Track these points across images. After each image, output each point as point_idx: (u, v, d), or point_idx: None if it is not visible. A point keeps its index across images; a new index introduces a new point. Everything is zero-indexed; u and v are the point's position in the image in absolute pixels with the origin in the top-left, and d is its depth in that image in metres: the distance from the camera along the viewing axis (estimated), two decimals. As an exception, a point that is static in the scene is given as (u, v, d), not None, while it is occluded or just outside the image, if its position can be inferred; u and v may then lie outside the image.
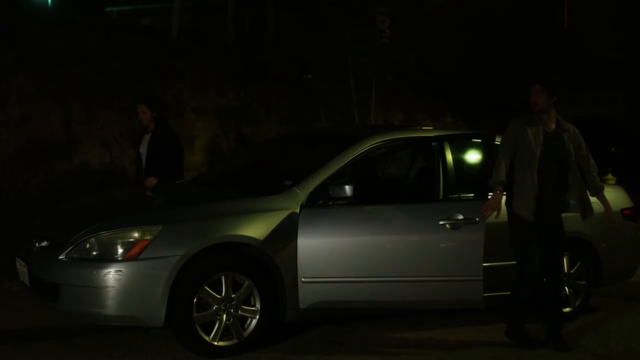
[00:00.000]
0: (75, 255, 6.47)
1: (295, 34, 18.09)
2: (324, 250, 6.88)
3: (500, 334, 7.21)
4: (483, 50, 20.94)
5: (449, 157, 7.49)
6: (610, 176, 14.51)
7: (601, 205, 7.48)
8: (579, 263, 8.08)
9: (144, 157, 8.91)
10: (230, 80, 15.09)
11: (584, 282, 8.12)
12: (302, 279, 6.76)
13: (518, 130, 7.01)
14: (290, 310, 6.83)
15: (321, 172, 7.04)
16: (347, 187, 6.84)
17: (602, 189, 7.29)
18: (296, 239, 6.74)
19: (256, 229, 6.69)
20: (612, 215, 7.38)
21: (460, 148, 7.99)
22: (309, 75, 16.58)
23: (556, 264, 7.14)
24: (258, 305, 6.71)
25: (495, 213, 6.81)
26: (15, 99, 12.10)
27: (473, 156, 8.15)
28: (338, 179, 7.01)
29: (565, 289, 7.94)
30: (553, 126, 7.03)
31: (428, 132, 8.44)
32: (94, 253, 6.43)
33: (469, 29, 19.67)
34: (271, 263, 6.72)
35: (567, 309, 7.96)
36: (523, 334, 7.12)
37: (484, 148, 7.42)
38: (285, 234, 6.76)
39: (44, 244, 6.78)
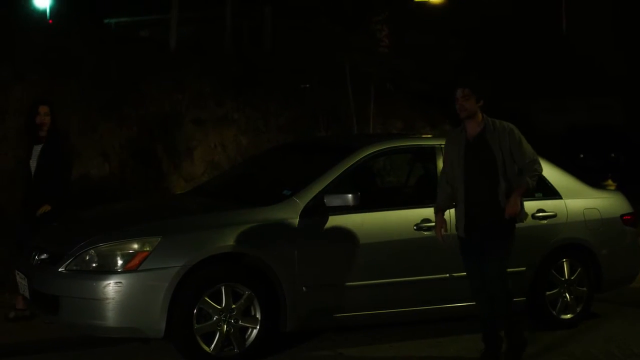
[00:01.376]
0: (74, 268, 6.47)
1: (293, 43, 18.12)
2: (324, 258, 6.91)
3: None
4: (481, 57, 20.99)
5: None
6: (610, 182, 14.50)
7: (600, 211, 7.48)
8: (579, 269, 8.06)
9: (33, 171, 7.99)
10: (229, 90, 15.08)
11: (584, 289, 8.09)
12: (303, 288, 6.76)
13: (446, 147, 6.88)
14: (291, 320, 6.83)
15: (320, 181, 7.06)
16: (345, 195, 6.85)
17: (523, 188, 6.49)
18: (296, 249, 6.75)
19: (255, 239, 6.70)
20: (509, 214, 6.46)
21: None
22: (307, 85, 16.58)
23: (492, 279, 6.57)
24: (258, 316, 6.70)
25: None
26: (13, 112, 12.07)
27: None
28: (337, 187, 7.02)
29: (566, 296, 7.95)
30: (477, 131, 6.61)
31: (426, 140, 8.47)
32: (94, 265, 6.43)
33: (467, 36, 19.68)
34: (271, 273, 6.73)
35: (569, 316, 7.98)
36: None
37: None
38: (285, 243, 6.77)
39: (44, 256, 6.78)
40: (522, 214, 6.65)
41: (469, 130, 6.64)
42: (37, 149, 7.92)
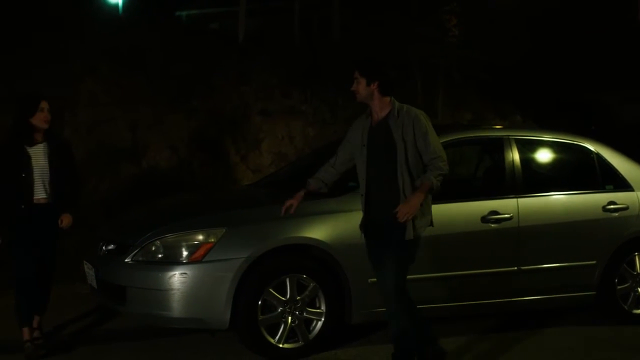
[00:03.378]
0: (141, 258, 6.52)
1: (361, 35, 18.05)
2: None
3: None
4: (552, 46, 20.64)
5: (517, 155, 7.48)
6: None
7: None
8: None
9: (38, 176, 6.71)
10: (296, 81, 15.10)
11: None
12: (369, 281, 6.71)
13: (349, 132, 6.25)
14: (357, 312, 6.79)
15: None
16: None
17: (425, 187, 5.73)
18: (361, 240, 6.68)
19: (321, 231, 6.66)
20: (402, 216, 5.64)
21: (528, 147, 7.84)
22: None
23: (385, 295, 5.89)
24: (323, 308, 6.67)
25: None
26: (85, 104, 12.25)
27: (542, 155, 8.02)
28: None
29: (638, 290, 7.77)
30: (381, 116, 5.97)
31: (494, 131, 8.34)
32: (160, 256, 6.47)
33: (537, 25, 19.39)
34: (336, 265, 6.69)
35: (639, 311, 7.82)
36: None
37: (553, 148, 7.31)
38: (351, 235, 6.69)
39: (111, 247, 6.83)
40: (419, 226, 5.82)
41: (373, 115, 6.04)
42: (36, 150, 6.71)
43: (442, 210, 7.05)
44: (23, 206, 6.64)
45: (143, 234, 6.62)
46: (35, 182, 6.68)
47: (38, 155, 6.73)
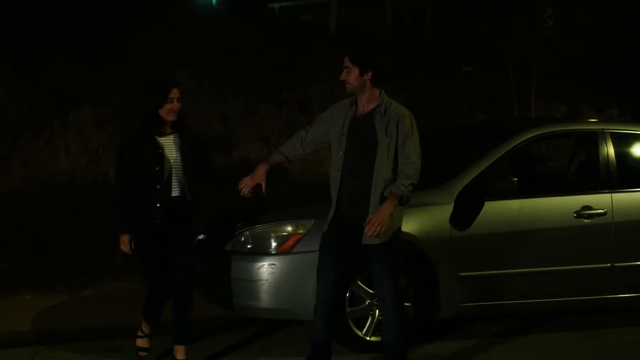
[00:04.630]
0: (230, 249, 6.57)
1: (454, 26, 17.88)
2: (479, 245, 6.78)
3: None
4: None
5: (611, 149, 7.32)
6: None
7: None
8: None
9: (173, 171, 6.00)
10: (387, 73, 15.01)
11: None
12: (457, 274, 6.65)
13: (328, 114, 5.78)
14: (446, 307, 6.74)
15: (476, 166, 6.91)
16: (502, 180, 6.71)
17: (395, 198, 5.36)
18: (450, 234, 6.63)
19: (410, 224, 6.56)
20: (374, 228, 5.27)
21: (623, 141, 7.66)
22: (469, 68, 16.34)
23: (386, 295, 5.57)
24: (411, 302, 6.62)
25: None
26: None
27: (638, 149, 7.83)
28: (493, 172, 6.88)
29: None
30: (367, 109, 5.56)
31: (588, 124, 8.18)
32: (249, 246, 6.51)
33: (636, 14, 18.88)
34: (425, 258, 6.63)
35: None
36: None
37: None
38: (440, 228, 6.66)
39: (201, 237, 6.90)
40: (389, 230, 5.39)
41: (359, 106, 5.60)
42: (166, 141, 6.00)
43: (534, 205, 6.97)
44: (158, 204, 5.90)
45: (232, 224, 6.67)
46: (172, 177, 5.96)
47: (170, 148, 5.99)
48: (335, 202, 5.60)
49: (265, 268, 6.35)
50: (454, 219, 6.67)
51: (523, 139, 7.17)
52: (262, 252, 6.45)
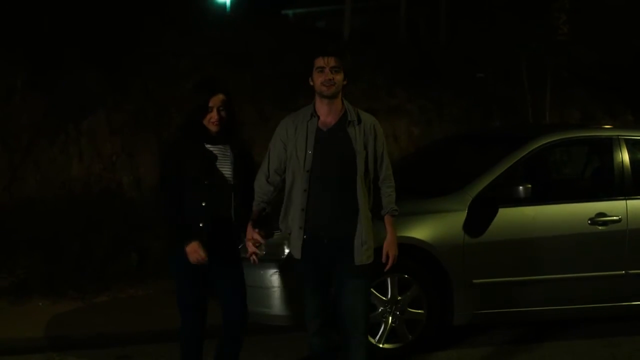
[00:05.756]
0: (243, 255, 6.55)
1: (468, 33, 17.88)
2: (493, 251, 6.75)
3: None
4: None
5: (626, 156, 7.29)
6: None
7: None
8: None
9: (223, 187, 5.19)
10: (402, 80, 15.02)
11: None
12: (472, 281, 6.64)
13: (283, 133, 5.22)
14: (459, 314, 6.71)
15: (490, 173, 6.89)
16: (516, 187, 6.68)
17: (391, 211, 5.27)
18: (464, 241, 6.61)
19: (423, 231, 6.60)
20: (392, 250, 5.26)
21: (638, 147, 7.61)
22: (482, 75, 16.33)
23: (354, 318, 5.16)
24: (425, 309, 6.61)
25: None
26: (191, 102, 12.42)
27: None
28: (507, 179, 6.85)
29: None
30: (335, 120, 5.12)
31: (602, 130, 8.13)
32: (262, 253, 6.47)
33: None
34: (438, 265, 6.62)
35: None
36: None
37: None
38: (453, 235, 6.64)
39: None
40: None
41: (324, 117, 5.11)
42: (218, 152, 5.20)
43: (548, 212, 6.94)
44: (201, 224, 5.12)
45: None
46: (222, 194, 5.17)
47: (222, 159, 5.20)
48: (300, 225, 5.08)
49: (278, 275, 6.34)
50: (468, 226, 6.66)
51: (537, 146, 7.15)
52: (274, 259, 6.42)
